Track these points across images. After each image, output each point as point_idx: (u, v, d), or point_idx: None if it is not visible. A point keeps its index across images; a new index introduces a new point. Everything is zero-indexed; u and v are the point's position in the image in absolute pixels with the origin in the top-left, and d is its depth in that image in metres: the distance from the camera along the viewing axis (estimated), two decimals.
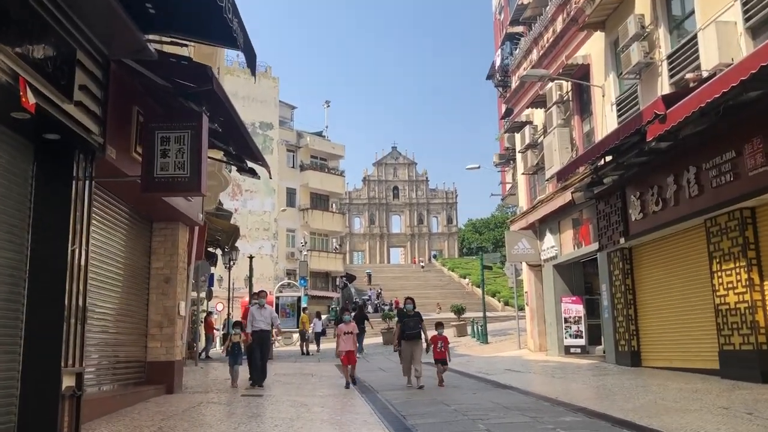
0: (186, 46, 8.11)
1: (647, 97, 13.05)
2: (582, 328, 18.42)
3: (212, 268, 31.60)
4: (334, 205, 57.56)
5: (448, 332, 31.65)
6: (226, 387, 12.11)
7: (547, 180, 18.56)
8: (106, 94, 7.37)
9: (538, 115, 20.34)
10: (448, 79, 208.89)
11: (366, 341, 31.78)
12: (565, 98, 18.01)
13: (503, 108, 29.81)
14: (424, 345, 12.40)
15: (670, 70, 12.43)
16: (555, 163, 17.66)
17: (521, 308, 23.29)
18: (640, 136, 11.22)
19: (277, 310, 37.30)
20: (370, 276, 57.42)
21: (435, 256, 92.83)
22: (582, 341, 18.39)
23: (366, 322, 25.58)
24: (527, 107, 20.44)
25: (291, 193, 50.35)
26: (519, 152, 21.44)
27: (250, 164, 11.27)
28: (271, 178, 11.79)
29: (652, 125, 10.26)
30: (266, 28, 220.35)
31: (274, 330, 13.57)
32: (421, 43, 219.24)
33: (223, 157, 11.58)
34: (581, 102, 17.70)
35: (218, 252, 26.36)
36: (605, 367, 14.76)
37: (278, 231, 48.32)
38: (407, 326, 12.49)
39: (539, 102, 19.63)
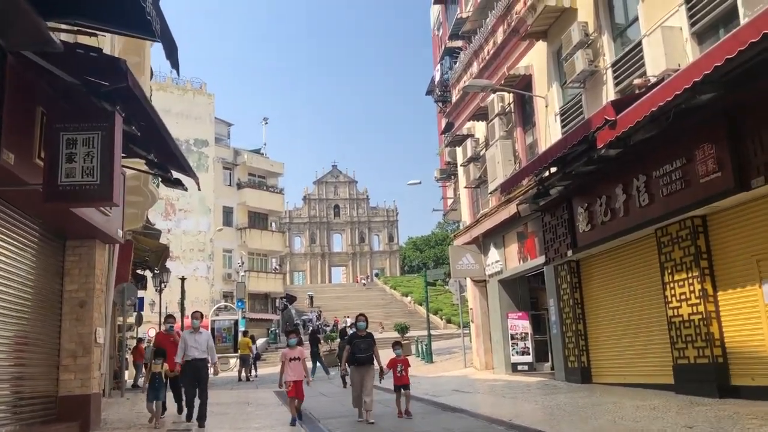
0: (95, 35, 7.20)
1: (592, 106, 12.76)
2: (529, 344, 17.99)
3: (142, 292, 30.07)
4: (273, 224, 56.26)
5: (390, 352, 30.99)
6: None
7: (490, 193, 18.16)
8: (2, 92, 6.42)
9: (479, 128, 19.99)
10: (387, 97, 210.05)
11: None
12: (507, 110, 17.70)
13: (443, 123, 29.51)
14: (377, 371, 10.72)
15: (615, 77, 12.16)
16: (498, 176, 17.26)
17: (465, 325, 22.80)
18: (588, 144, 10.83)
19: (213, 335, 35.95)
20: (311, 298, 56.20)
21: (377, 275, 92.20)
22: (529, 358, 17.95)
23: (318, 344, 24.57)
24: (469, 120, 20.08)
25: (228, 212, 48.86)
26: (461, 166, 21.03)
27: (176, 175, 10.35)
28: (199, 189, 10.81)
29: (601, 132, 9.87)
30: (199, 42, 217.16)
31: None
32: (360, 61, 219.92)
33: (145, 166, 10.57)
34: (524, 113, 17.42)
35: (148, 274, 24.96)
36: (555, 384, 14.28)
37: (214, 251, 46.73)
38: (358, 348, 10.64)
39: (481, 115, 19.29)
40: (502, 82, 16.57)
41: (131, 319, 29.80)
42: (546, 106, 15.50)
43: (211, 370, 10.88)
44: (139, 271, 23.58)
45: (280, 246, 55.53)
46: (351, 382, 11.19)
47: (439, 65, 26.75)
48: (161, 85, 45.81)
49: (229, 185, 49.66)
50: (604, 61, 12.84)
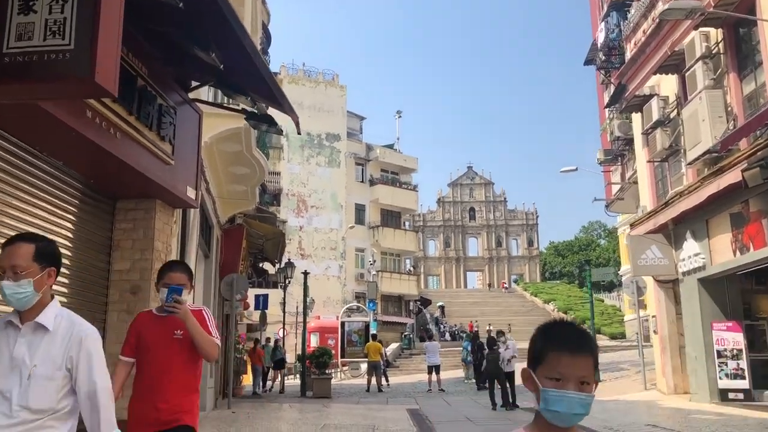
0: None
1: None
2: (744, 365, 13.41)
3: (270, 290, 28.01)
4: (406, 222, 53.42)
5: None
6: None
7: (690, 163, 13.79)
8: None
9: (668, 84, 15.62)
10: (527, 93, 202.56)
11: (444, 375, 27.38)
12: (714, 51, 13.30)
13: (607, 94, 25.07)
14: None
15: None
16: (704, 139, 12.94)
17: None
18: None
19: (342, 337, 33.44)
20: (443, 309, 52.69)
21: (516, 281, 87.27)
22: (745, 383, 13.36)
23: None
24: (653, 74, 15.73)
25: (360, 210, 46.50)
26: (642, 134, 16.69)
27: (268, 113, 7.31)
28: (299, 133, 7.70)
29: None
30: (333, 34, 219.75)
31: None
32: (497, 53, 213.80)
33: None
34: (739, 54, 12.96)
35: (269, 267, 22.61)
36: None
37: (346, 250, 44.50)
38: None
39: (671, 66, 14.96)
40: (712, 7, 12.22)
41: (254, 318, 27.83)
42: None
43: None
44: (260, 265, 21.26)
45: (414, 246, 52.53)
46: None
47: (602, 24, 22.39)
48: (293, 77, 44.43)
49: (361, 181, 47.32)
50: None
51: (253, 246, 17.46)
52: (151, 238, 7.02)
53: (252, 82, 6.54)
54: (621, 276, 39.57)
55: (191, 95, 7.70)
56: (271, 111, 7.68)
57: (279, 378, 20.21)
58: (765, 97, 12.08)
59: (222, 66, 5.82)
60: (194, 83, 7.54)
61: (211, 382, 13.53)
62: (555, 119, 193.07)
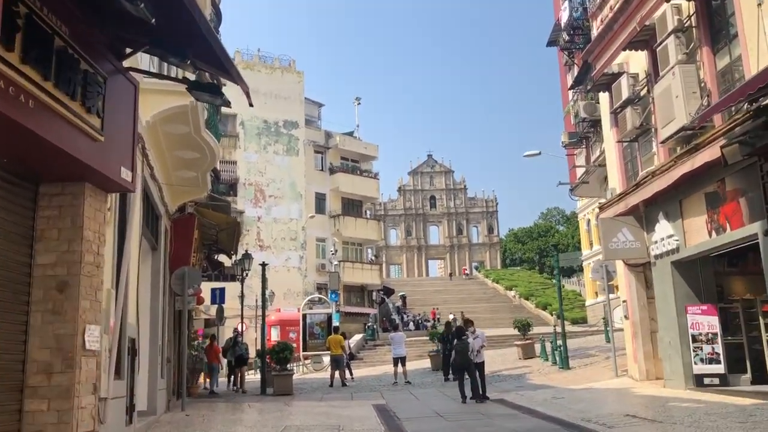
0: None
1: None
2: (719, 349, 13.05)
3: (227, 283, 26.97)
4: (368, 211, 52.65)
5: (511, 352, 26.51)
6: None
7: (663, 142, 13.30)
8: None
9: (637, 60, 15.14)
10: (482, 82, 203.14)
11: (410, 365, 26.75)
12: (686, 24, 12.81)
13: (569, 77, 24.70)
14: None
15: None
16: (678, 115, 12.45)
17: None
18: None
19: (304, 330, 32.54)
20: (404, 299, 52.08)
21: (476, 268, 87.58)
22: (720, 368, 12.99)
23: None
24: (622, 50, 15.21)
25: (320, 199, 45.50)
26: (611, 113, 16.19)
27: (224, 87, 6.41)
28: (251, 105, 6.83)
29: None
30: (288, 19, 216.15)
31: None
32: (454, 40, 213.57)
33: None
34: (711, 27, 12.49)
35: (226, 259, 21.58)
36: None
37: (307, 240, 43.48)
38: None
39: (640, 41, 14.46)
40: None
41: (212, 312, 26.76)
42: (759, 5, 10.56)
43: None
44: (215, 257, 20.24)
45: (376, 235, 51.81)
46: None
47: (566, 3, 21.89)
48: (248, 63, 43.08)
49: (321, 170, 46.30)
50: None
51: (206, 237, 16.46)
52: (80, 227, 6.11)
53: (192, 44, 5.66)
54: (582, 260, 39.60)
55: (127, 64, 6.78)
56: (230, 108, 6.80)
57: (240, 376, 19.12)
58: (740, 72, 11.62)
59: (154, 21, 4.92)
60: (128, 50, 6.60)
61: (163, 383, 12.59)
62: (515, 105, 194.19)
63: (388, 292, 53.49)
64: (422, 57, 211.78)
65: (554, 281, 69.59)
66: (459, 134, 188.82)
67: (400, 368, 20.57)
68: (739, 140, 10.16)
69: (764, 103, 9.74)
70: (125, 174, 6.39)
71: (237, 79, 6.07)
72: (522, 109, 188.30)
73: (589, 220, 51.42)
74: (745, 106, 10.36)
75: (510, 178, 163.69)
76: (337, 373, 20.70)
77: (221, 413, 13.37)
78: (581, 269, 58.50)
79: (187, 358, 18.79)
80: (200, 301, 19.30)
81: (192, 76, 7.55)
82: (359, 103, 53.45)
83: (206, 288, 30.31)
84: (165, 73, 8.73)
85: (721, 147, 10.34)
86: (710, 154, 11.13)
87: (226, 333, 27.24)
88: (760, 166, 10.27)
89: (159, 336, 11.95)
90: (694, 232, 12.93)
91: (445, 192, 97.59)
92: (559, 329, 22.43)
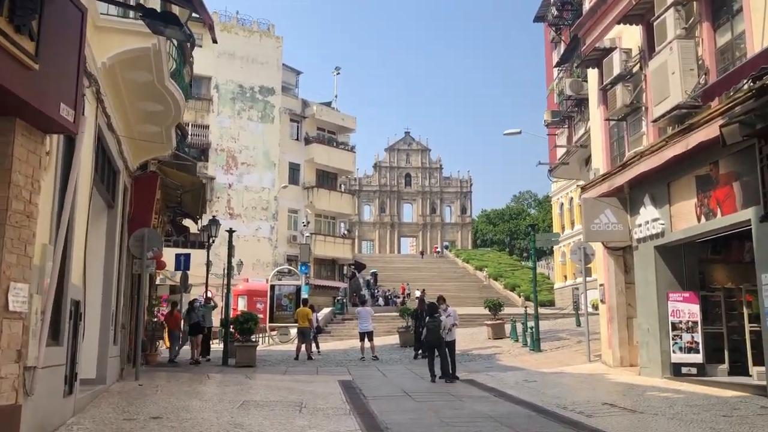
0: None
1: None
2: (698, 338, 12.64)
3: (191, 251, 26.11)
4: (342, 185, 51.81)
5: (481, 331, 26.10)
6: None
7: (655, 121, 12.73)
8: None
9: (630, 36, 14.49)
10: (464, 62, 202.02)
11: (379, 341, 26.21)
12: None
13: (555, 55, 24.06)
14: None
15: None
16: (672, 93, 11.89)
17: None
18: None
19: (271, 301, 31.82)
20: (375, 276, 51.45)
21: (447, 247, 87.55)
22: (698, 357, 12.60)
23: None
24: (615, 24, 14.57)
25: (294, 169, 44.46)
26: (600, 90, 15.57)
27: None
28: (215, 41, 6.04)
29: None
30: None
31: None
32: (437, 12, 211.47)
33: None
34: (714, 1, 11.87)
35: (192, 225, 20.67)
36: None
37: (279, 211, 42.53)
38: None
39: (635, 15, 13.82)
40: None
41: (178, 279, 25.88)
42: None
43: None
44: (180, 220, 19.33)
45: (350, 209, 51.03)
46: None
47: None
48: (225, 25, 41.64)
49: (296, 139, 45.18)
50: None
51: (169, 198, 15.56)
52: (8, 170, 5.28)
53: None
54: (559, 242, 39.35)
55: None
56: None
57: (196, 346, 17.96)
58: (741, 49, 11.05)
59: None
60: None
61: (115, 350, 11.80)
62: (497, 85, 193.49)
63: (359, 266, 52.90)
64: (405, 32, 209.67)
65: (523, 263, 70.41)
66: (437, 113, 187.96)
67: (367, 343, 20.01)
68: (739, 120, 9.60)
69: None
70: (66, 112, 5.55)
71: (199, 7, 5.24)
72: (504, 92, 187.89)
73: (562, 204, 51.32)
74: (747, 85, 9.81)
75: (486, 160, 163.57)
76: (303, 346, 20.08)
77: (177, 384, 12.63)
78: (551, 253, 58.56)
79: (147, 325, 18.03)
80: (161, 265, 18.41)
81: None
82: (338, 74, 52.32)
83: (171, 254, 29.37)
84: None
85: (721, 126, 9.77)
86: (706, 134, 10.60)
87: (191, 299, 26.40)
88: (760, 148, 9.71)
89: (112, 300, 11.13)
90: (682, 217, 12.43)
91: (420, 170, 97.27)
92: (530, 311, 22.06)
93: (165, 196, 15.21)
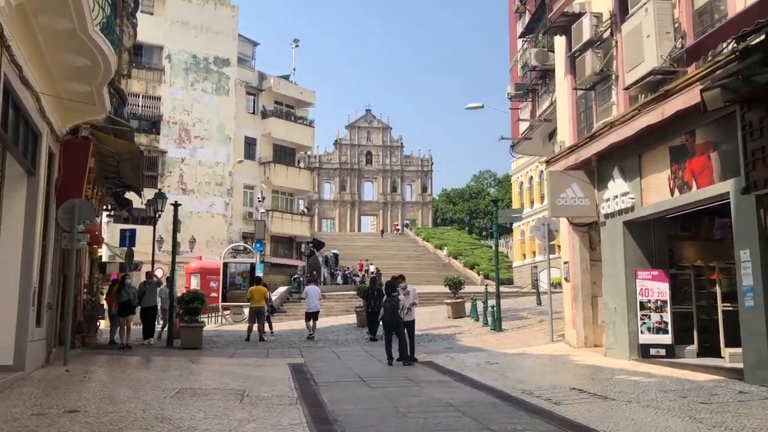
0: None
1: None
2: (667, 318, 12.08)
3: (136, 226, 24.82)
4: (301, 161, 50.51)
5: (441, 310, 25.44)
6: None
7: (627, 87, 12.02)
8: None
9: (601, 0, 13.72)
10: (429, 39, 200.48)
11: (336, 321, 25.41)
12: None
13: (519, 25, 23.27)
14: None
15: None
16: (647, 58, 11.17)
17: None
18: None
19: (224, 279, 30.64)
20: (336, 257, 50.42)
21: (407, 225, 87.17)
22: (668, 338, 12.05)
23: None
24: None
25: (250, 143, 42.97)
26: (568, 57, 14.79)
27: None
28: None
29: None
30: None
31: None
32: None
33: None
34: None
35: (137, 199, 19.36)
36: (751, 391, 8.43)
37: (234, 186, 41.11)
38: None
39: None
40: None
41: (115, 254, 24.56)
42: None
43: None
44: (121, 192, 18.05)
45: (308, 185, 49.83)
46: None
47: None
48: None
49: (253, 113, 43.62)
50: None
51: (105, 167, 14.30)
52: None
53: None
54: (522, 217, 38.95)
55: None
56: None
57: (126, 328, 16.00)
58: (720, 11, 10.36)
59: None
60: None
61: (39, 333, 10.66)
62: (458, 63, 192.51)
63: (318, 244, 51.88)
64: (366, 5, 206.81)
65: (483, 242, 70.34)
66: (399, 90, 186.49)
67: (311, 323, 19.36)
68: (721, 84, 8.90)
69: (753, 42, 8.48)
70: None
71: None
72: (466, 71, 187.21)
73: (522, 183, 51.07)
74: (730, 47, 9.11)
75: (446, 139, 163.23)
76: (255, 327, 19.11)
77: (111, 369, 11.58)
78: (510, 231, 58.44)
79: (85, 304, 16.83)
80: (97, 240, 17.15)
81: None
82: (297, 46, 50.67)
83: (116, 229, 27.99)
84: None
85: (702, 91, 9.05)
86: (684, 101, 9.91)
87: (141, 278, 25.05)
88: (742, 115, 9.05)
89: (33, 277, 9.97)
90: (653, 190, 11.79)
91: (381, 149, 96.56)
92: (491, 289, 21.44)
93: (101, 166, 13.96)
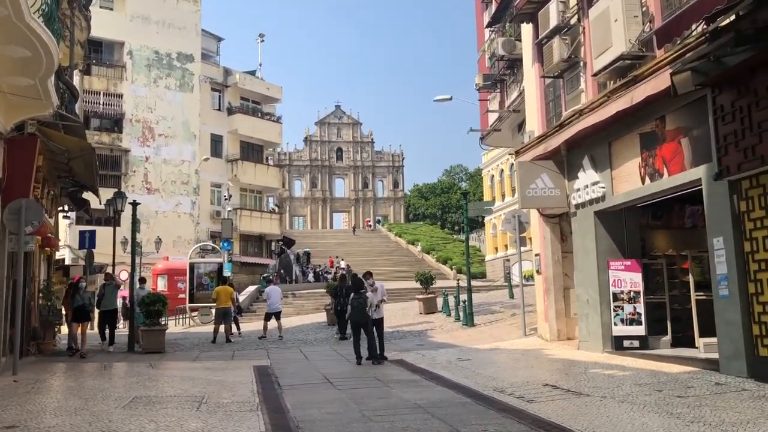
0: None
1: None
2: (640, 308, 11.86)
3: (96, 227, 24.04)
4: (269, 158, 49.74)
5: (412, 306, 25.10)
6: None
7: (596, 74, 11.72)
8: None
9: None
10: (396, 35, 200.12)
11: (306, 319, 24.95)
12: None
13: (486, 15, 22.94)
14: None
15: None
16: (615, 43, 10.90)
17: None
18: None
19: (191, 280, 29.94)
20: (308, 255, 49.80)
21: (379, 221, 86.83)
22: (641, 329, 11.83)
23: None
24: None
25: (216, 141, 42.12)
26: (536, 44, 14.48)
27: None
28: None
29: None
30: None
31: None
32: None
33: None
34: None
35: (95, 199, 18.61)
36: (728, 383, 8.19)
37: (200, 185, 40.21)
38: None
39: None
40: None
41: (77, 257, 23.74)
42: None
43: None
44: (77, 192, 17.32)
45: (277, 182, 49.09)
46: None
47: None
48: None
49: (218, 110, 42.76)
50: None
51: (56, 165, 13.62)
52: None
53: None
54: (492, 210, 38.75)
55: None
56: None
57: (81, 336, 14.94)
58: None
59: None
60: None
61: None
62: (427, 59, 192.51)
63: (288, 242, 51.22)
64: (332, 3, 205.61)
65: (455, 237, 70.22)
66: (368, 85, 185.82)
67: (274, 323, 19.04)
68: (691, 66, 8.61)
69: (724, 23, 8.22)
70: None
71: None
72: (436, 65, 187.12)
73: (493, 176, 50.99)
74: (699, 28, 8.86)
75: (416, 134, 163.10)
76: (221, 328, 18.57)
77: (63, 377, 10.99)
78: (482, 225, 58.40)
79: (41, 309, 16.12)
80: (51, 242, 16.40)
81: None
82: (263, 41, 49.86)
83: (74, 231, 27.09)
84: None
85: (671, 74, 8.75)
86: (653, 86, 9.61)
87: (101, 281, 24.25)
88: (713, 98, 8.80)
89: None
90: (624, 179, 11.53)
91: (352, 144, 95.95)
92: (463, 283, 21.14)
93: (51, 164, 13.28)
